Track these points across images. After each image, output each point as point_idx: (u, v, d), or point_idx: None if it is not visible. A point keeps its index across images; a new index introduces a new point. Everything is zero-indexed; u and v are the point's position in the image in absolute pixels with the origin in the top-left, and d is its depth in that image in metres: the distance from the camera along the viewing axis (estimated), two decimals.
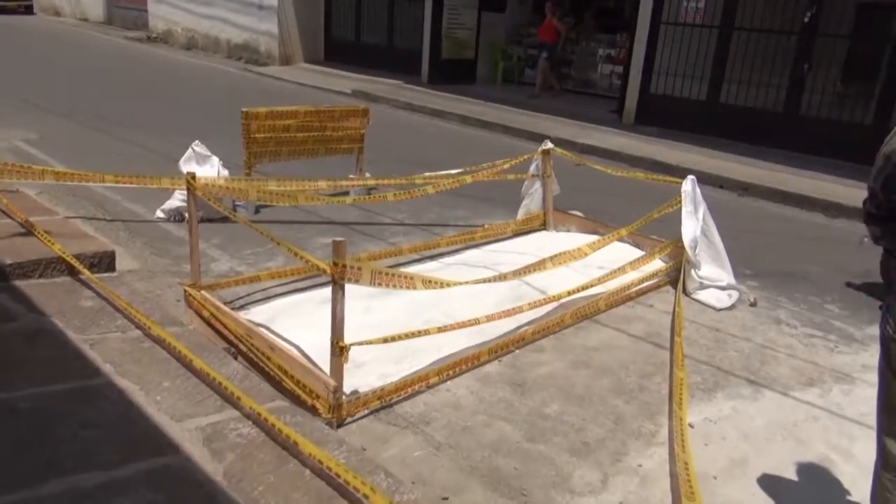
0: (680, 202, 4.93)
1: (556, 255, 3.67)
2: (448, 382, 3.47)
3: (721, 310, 4.73)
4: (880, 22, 9.39)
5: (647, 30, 10.96)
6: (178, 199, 5.54)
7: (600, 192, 7.30)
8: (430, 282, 3.09)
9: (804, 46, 9.73)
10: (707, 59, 10.55)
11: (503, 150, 9.65)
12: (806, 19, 9.56)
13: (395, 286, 2.94)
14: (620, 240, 5.70)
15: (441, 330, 3.30)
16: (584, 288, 4.10)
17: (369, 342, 3.03)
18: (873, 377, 2.79)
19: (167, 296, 4.17)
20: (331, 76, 15.09)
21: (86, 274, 3.78)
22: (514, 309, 3.65)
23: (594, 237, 5.82)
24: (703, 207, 5.00)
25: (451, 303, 4.09)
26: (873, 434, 2.41)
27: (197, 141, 5.61)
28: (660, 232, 5.74)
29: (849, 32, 9.49)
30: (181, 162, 5.53)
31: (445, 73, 14.56)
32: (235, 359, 3.45)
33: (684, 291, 4.81)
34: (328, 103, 12.19)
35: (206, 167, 5.54)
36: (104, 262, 4.05)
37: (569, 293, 4.00)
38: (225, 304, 4.02)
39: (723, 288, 4.92)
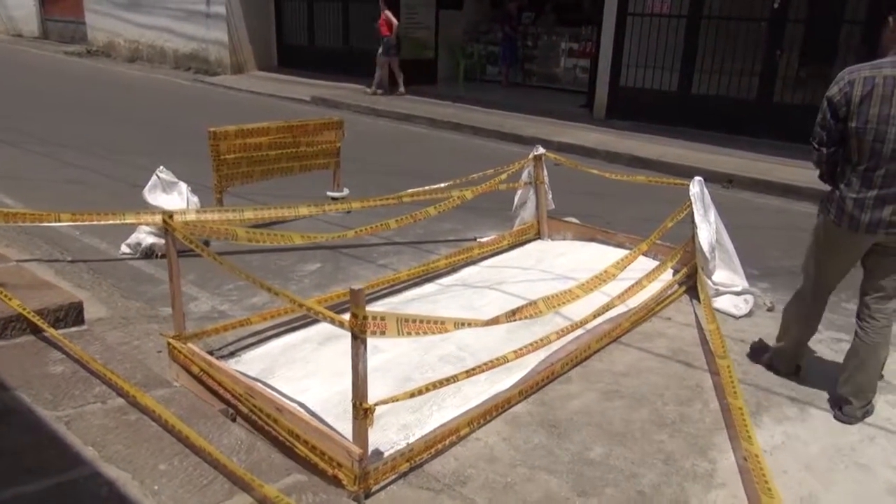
0: (689, 206, 4.64)
1: (584, 283, 3.33)
2: (478, 430, 3.12)
3: (740, 317, 4.48)
4: (835, 3, 9.37)
5: (613, 22, 10.75)
6: (143, 232, 5.05)
7: (589, 195, 7.03)
8: (462, 323, 2.72)
9: (775, 33, 9.62)
10: (677, 49, 10.39)
11: (480, 154, 9.35)
12: (776, 5, 9.44)
13: (425, 333, 2.57)
14: (622, 246, 5.47)
15: (469, 374, 2.94)
16: (607, 308, 3.77)
17: (395, 399, 2.65)
18: None
19: (146, 347, 3.71)
20: (287, 83, 14.55)
21: (51, 332, 3.30)
22: (541, 341, 3.31)
23: (592, 245, 5.59)
24: (713, 210, 4.73)
25: (462, 334, 3.73)
26: None
27: (161, 167, 5.12)
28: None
29: (806, 16, 9.44)
30: (146, 191, 5.04)
31: (406, 74, 14.12)
32: (234, 420, 3.03)
33: (698, 299, 4.56)
34: (287, 112, 11.74)
35: (174, 195, 5.07)
36: (71, 315, 3.58)
37: (594, 316, 3.67)
38: (213, 351, 3.60)
39: (738, 293, 4.67)
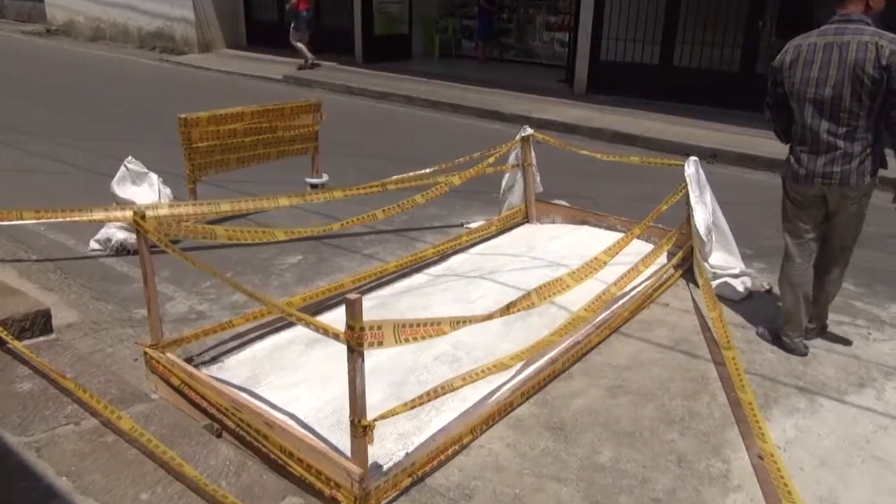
0: (685, 188, 4.49)
1: (576, 272, 3.16)
2: (480, 437, 2.95)
3: (740, 301, 4.36)
4: None
5: None
6: (114, 227, 4.77)
7: (575, 174, 6.86)
8: (458, 322, 2.53)
9: (756, 4, 9.46)
10: (657, 21, 10.19)
11: (460, 132, 9.11)
12: None
13: (423, 338, 2.38)
14: (613, 228, 5.31)
15: (467, 380, 2.75)
16: (606, 298, 3.61)
17: (394, 412, 2.46)
18: None
19: (121, 354, 3.47)
20: (257, 62, 14.11)
21: (16, 345, 3.05)
22: (544, 340, 3.13)
23: (583, 228, 5.42)
24: (708, 190, 4.58)
25: (457, 331, 3.54)
26: None
27: (130, 157, 4.83)
28: (645, 215, 5.35)
29: None
30: (114, 183, 4.75)
31: (381, 51, 13.83)
32: (220, 436, 2.83)
33: (695, 283, 4.43)
34: (259, 91, 11.36)
35: (144, 187, 4.79)
36: (38, 323, 3.33)
37: (594, 308, 3.50)
38: (193, 358, 3.38)
39: (736, 276, 4.54)
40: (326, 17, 14.85)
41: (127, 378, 3.13)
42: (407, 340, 2.30)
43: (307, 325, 2.42)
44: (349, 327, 2.20)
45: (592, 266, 3.35)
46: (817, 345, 3.86)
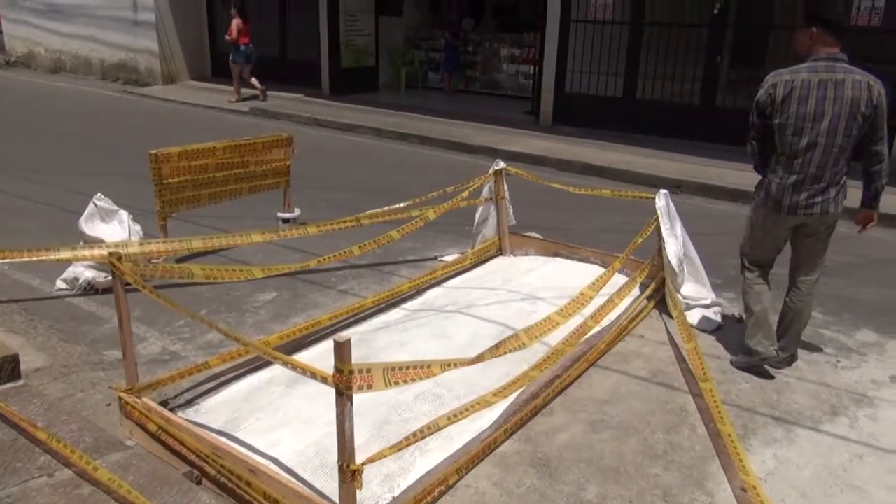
0: (657, 220, 4.57)
1: (564, 308, 3.18)
2: (466, 476, 2.92)
3: (712, 332, 4.43)
4: (762, 7, 9.64)
5: (557, 28, 10.73)
6: (81, 266, 4.66)
7: (545, 206, 6.94)
8: (448, 365, 2.52)
9: (715, 38, 9.77)
10: (620, 55, 10.44)
11: (430, 165, 9.16)
12: (715, 11, 9.59)
13: (413, 381, 2.36)
14: (586, 261, 5.38)
15: (452, 420, 2.73)
16: (584, 332, 3.64)
17: (382, 455, 2.43)
18: (887, 394, 3.74)
19: (93, 400, 3.37)
20: (223, 93, 14.01)
21: None
22: (524, 376, 3.13)
23: (556, 260, 5.47)
24: (678, 222, 4.67)
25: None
26: None
27: (99, 194, 4.75)
28: (615, 246, 5.43)
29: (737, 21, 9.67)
30: (82, 221, 4.66)
31: (347, 83, 13.88)
32: (199, 483, 2.75)
33: (668, 313, 4.50)
34: (226, 124, 11.31)
35: (114, 224, 4.71)
36: (5, 370, 3.22)
37: (572, 342, 3.52)
38: (168, 401, 3.30)
39: (708, 306, 4.63)
40: (292, 50, 14.89)
41: (100, 425, 3.04)
42: (397, 383, 2.28)
43: (292, 367, 2.39)
44: (338, 370, 2.18)
45: (579, 301, 3.38)
46: (788, 374, 3.94)
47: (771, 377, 3.85)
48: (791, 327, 3.92)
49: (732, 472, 3.00)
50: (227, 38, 12.70)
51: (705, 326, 4.47)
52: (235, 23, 12.54)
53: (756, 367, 3.90)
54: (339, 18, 13.61)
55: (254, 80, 13.01)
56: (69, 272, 4.67)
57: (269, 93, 13.29)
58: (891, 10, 8.37)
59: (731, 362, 4.04)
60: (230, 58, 12.95)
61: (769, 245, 3.84)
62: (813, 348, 4.25)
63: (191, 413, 3.22)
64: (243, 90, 13.19)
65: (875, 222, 3.82)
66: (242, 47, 12.73)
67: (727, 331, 4.47)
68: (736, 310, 4.74)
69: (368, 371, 2.24)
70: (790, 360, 4.01)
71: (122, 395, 3.01)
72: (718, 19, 9.67)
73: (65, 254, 4.25)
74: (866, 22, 8.56)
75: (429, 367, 2.45)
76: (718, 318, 4.56)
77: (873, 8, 8.50)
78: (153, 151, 4.87)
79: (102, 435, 2.87)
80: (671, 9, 9.96)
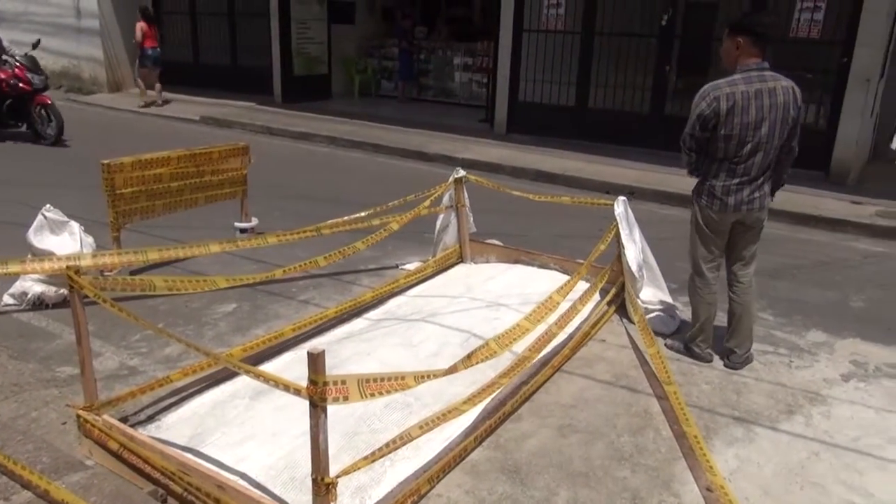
0: (616, 226, 4.65)
1: (532, 314, 3.20)
2: (438, 485, 2.91)
3: (671, 335, 4.53)
4: (705, 18, 9.97)
5: (510, 37, 10.85)
6: (30, 280, 4.50)
7: (501, 213, 6.98)
8: (421, 377, 2.51)
9: (663, 48, 10.03)
10: (572, 64, 10.61)
11: (386, 173, 9.14)
12: (663, 22, 9.84)
13: (388, 392, 2.34)
14: (546, 266, 5.43)
15: (424, 429, 2.72)
16: (550, 338, 3.67)
17: (357, 468, 2.40)
18: (839, 391, 3.92)
19: (47, 419, 3.24)
20: (171, 102, 13.74)
21: None
22: (493, 384, 3.14)
23: (517, 266, 5.51)
24: (636, 228, 4.76)
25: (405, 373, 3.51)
26: (874, 462, 3.26)
27: (48, 205, 4.59)
28: (573, 252, 5.52)
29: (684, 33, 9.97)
30: (30, 233, 4.50)
31: (300, 91, 13.77)
32: (164, 502, 2.68)
33: (628, 317, 4.59)
34: (176, 133, 11.07)
35: (65, 236, 4.55)
36: None
37: (538, 349, 3.55)
38: (127, 418, 3.20)
39: (665, 310, 4.72)
40: (243, 58, 14.70)
41: (57, 445, 2.93)
42: (373, 395, 2.26)
43: (264, 379, 2.35)
44: (312, 382, 2.15)
45: (547, 307, 3.40)
46: (746, 374, 4.06)
47: (710, 361, 4.16)
48: (742, 323, 4.08)
49: (698, 473, 3.06)
50: (134, 41, 12.86)
51: (664, 329, 4.56)
52: (140, 26, 12.61)
53: (685, 354, 4.24)
54: (290, 26, 13.50)
55: (157, 85, 13.18)
56: (17, 286, 4.50)
57: (220, 101, 13.09)
58: (829, 22, 8.72)
59: (666, 345, 4.30)
60: (137, 62, 13.09)
61: (714, 243, 4.04)
62: (768, 349, 4.38)
63: (152, 429, 3.13)
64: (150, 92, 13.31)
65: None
66: (149, 51, 12.81)
67: (684, 332, 4.56)
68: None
69: (343, 383, 2.22)
70: (747, 360, 4.15)
71: (81, 412, 2.91)
72: (666, 31, 9.92)
73: (13, 267, 4.06)
74: (806, 33, 8.90)
75: (403, 378, 2.43)
76: (677, 322, 4.66)
77: (812, 20, 8.84)
78: (105, 161, 4.73)
79: (60, 455, 2.77)
80: (621, 20, 10.17)
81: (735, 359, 4.10)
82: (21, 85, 9.53)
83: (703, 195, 3.96)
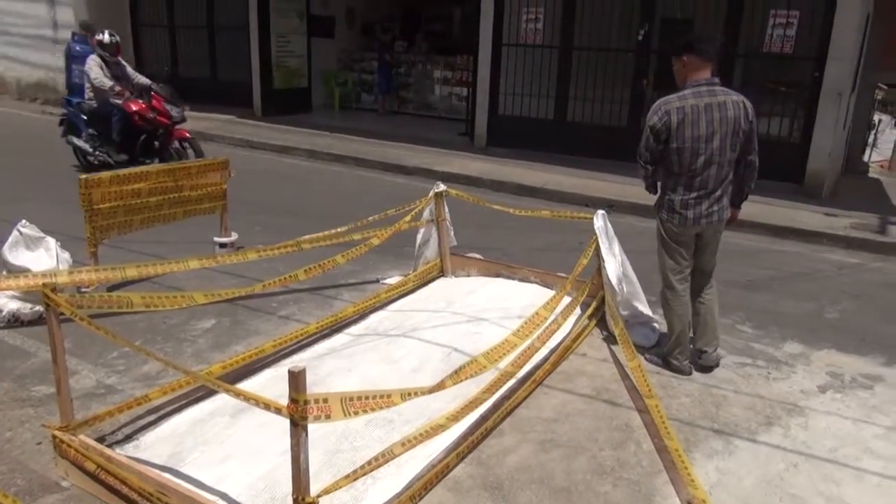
0: (596, 240, 4.68)
1: (520, 329, 3.20)
2: (420, 503, 2.90)
3: (651, 348, 4.56)
4: (681, 34, 10.09)
5: (489, 52, 10.94)
6: (4, 297, 4.43)
7: (482, 226, 7.02)
8: (407, 394, 2.50)
9: (640, 63, 10.15)
10: (551, 78, 10.71)
11: (367, 187, 9.13)
12: (640, 37, 9.97)
13: (372, 410, 2.33)
14: (526, 280, 5.45)
15: (408, 446, 2.71)
16: (532, 353, 3.68)
17: (338, 486, 2.39)
18: (816, 403, 3.96)
19: (22, 439, 3.18)
20: None
21: None
22: (477, 398, 3.14)
23: (498, 280, 5.53)
24: (616, 242, 4.80)
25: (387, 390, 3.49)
26: (852, 472, 3.30)
27: (24, 220, 4.53)
28: (552, 265, 5.54)
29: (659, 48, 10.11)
30: (5, 249, 4.44)
31: (280, 104, 13.75)
32: None
33: (608, 331, 4.63)
34: None
35: (40, 252, 4.50)
36: None
37: (520, 363, 3.55)
38: (104, 437, 3.15)
39: (645, 323, 4.76)
40: (223, 71, 14.65)
41: (32, 466, 2.88)
42: (356, 413, 2.25)
43: (244, 398, 2.33)
44: (293, 400, 2.14)
45: (534, 322, 3.41)
46: (725, 387, 4.09)
47: (689, 373, 4.21)
48: (708, 324, 4.24)
49: (679, 486, 3.08)
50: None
51: (644, 342, 4.59)
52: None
53: (664, 367, 4.29)
54: (270, 40, 13.49)
55: None
56: None
57: (200, 114, 13.01)
58: (801, 38, 8.90)
59: (646, 359, 4.34)
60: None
61: (679, 255, 4.16)
62: (746, 361, 4.43)
63: (130, 449, 3.09)
64: None
65: (736, 220, 4.32)
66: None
67: (663, 345, 4.60)
68: None
69: (325, 401, 2.21)
70: (717, 357, 4.30)
71: (57, 432, 2.86)
72: (643, 45, 10.05)
73: None
74: (779, 49, 9.07)
75: (388, 396, 2.43)
76: (656, 335, 4.69)
77: (784, 35, 9.02)
78: (83, 176, 4.68)
79: (35, 476, 2.72)
80: (599, 35, 10.29)
81: (707, 358, 4.23)
82: (158, 118, 8.41)
83: (664, 209, 4.11)
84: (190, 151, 8.69)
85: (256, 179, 9.01)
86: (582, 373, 4.18)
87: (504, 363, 3.32)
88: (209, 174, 5.55)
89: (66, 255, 4.64)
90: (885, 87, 20.56)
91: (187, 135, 8.80)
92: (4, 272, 4.39)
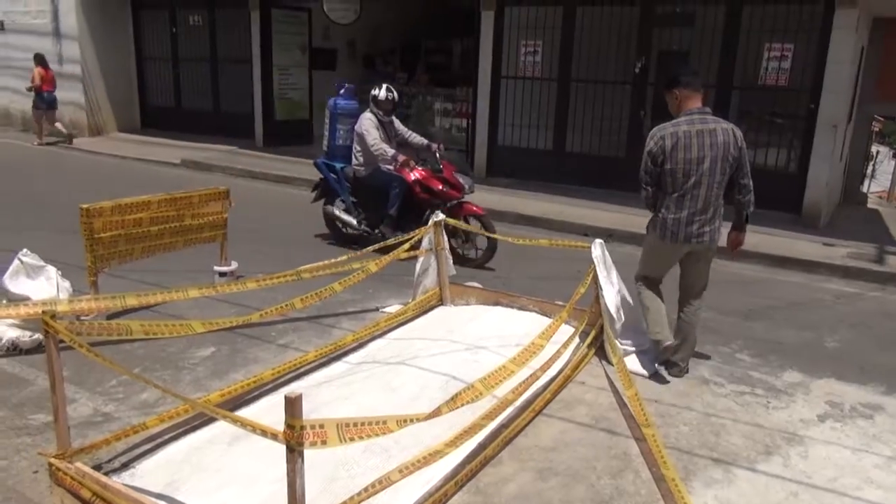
0: (594, 269, 4.70)
1: (517, 357, 3.22)
2: None
3: (650, 377, 4.55)
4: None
5: (488, 84, 11.09)
6: (3, 325, 4.44)
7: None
8: (403, 420, 2.50)
9: (638, 95, 10.29)
10: (550, 110, 10.84)
11: None
12: (637, 69, 10.12)
13: (368, 437, 2.34)
14: (525, 309, 5.47)
15: (405, 473, 2.71)
16: (532, 381, 3.68)
17: None
18: (815, 432, 3.96)
19: (18, 467, 3.18)
20: (152, 146, 13.80)
21: None
22: (475, 425, 3.14)
23: (497, 309, 5.54)
24: (614, 270, 4.82)
25: (385, 417, 3.48)
26: (852, 502, 3.30)
27: (25, 249, 4.57)
28: (551, 294, 5.56)
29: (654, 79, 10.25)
30: (6, 278, 4.46)
31: (281, 135, 13.89)
32: None
33: (607, 359, 4.62)
34: (156, 176, 11.09)
35: (41, 281, 4.53)
36: None
37: (520, 392, 3.56)
38: (101, 465, 3.14)
39: (644, 351, 4.76)
40: (225, 104, 14.84)
41: (28, 494, 2.87)
42: (352, 439, 2.26)
43: (240, 425, 2.33)
44: (289, 426, 2.14)
45: (531, 350, 3.42)
46: (724, 415, 4.08)
47: (666, 381, 4.48)
48: (687, 340, 4.54)
49: None
50: (31, 84, 13.65)
51: (642, 371, 4.59)
52: (37, 72, 13.55)
53: (662, 361, 4.57)
54: (272, 72, 13.70)
55: (58, 124, 13.91)
56: None
57: (202, 145, 13.17)
58: (796, 70, 9.03)
59: (649, 376, 4.52)
60: (33, 104, 13.82)
61: (663, 267, 4.62)
62: (745, 390, 4.42)
63: (126, 477, 3.08)
64: (53, 133, 13.99)
65: (742, 244, 4.67)
66: (45, 94, 13.70)
67: (654, 354, 4.62)
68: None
69: (321, 427, 2.21)
70: (686, 367, 4.59)
71: (53, 460, 2.86)
72: (640, 78, 10.19)
73: None
74: (774, 81, 9.20)
75: (384, 423, 2.43)
76: (654, 364, 4.69)
77: (780, 68, 9.15)
78: (84, 206, 4.73)
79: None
80: (596, 67, 10.44)
81: (676, 371, 4.54)
82: (449, 191, 6.83)
83: (657, 226, 4.43)
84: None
85: (257, 209, 9.07)
86: (580, 401, 4.17)
87: (501, 390, 3.32)
88: (210, 203, 5.60)
89: (66, 284, 4.67)
90: (882, 119, 20.77)
91: (480, 211, 6.90)
92: (4, 301, 4.41)
